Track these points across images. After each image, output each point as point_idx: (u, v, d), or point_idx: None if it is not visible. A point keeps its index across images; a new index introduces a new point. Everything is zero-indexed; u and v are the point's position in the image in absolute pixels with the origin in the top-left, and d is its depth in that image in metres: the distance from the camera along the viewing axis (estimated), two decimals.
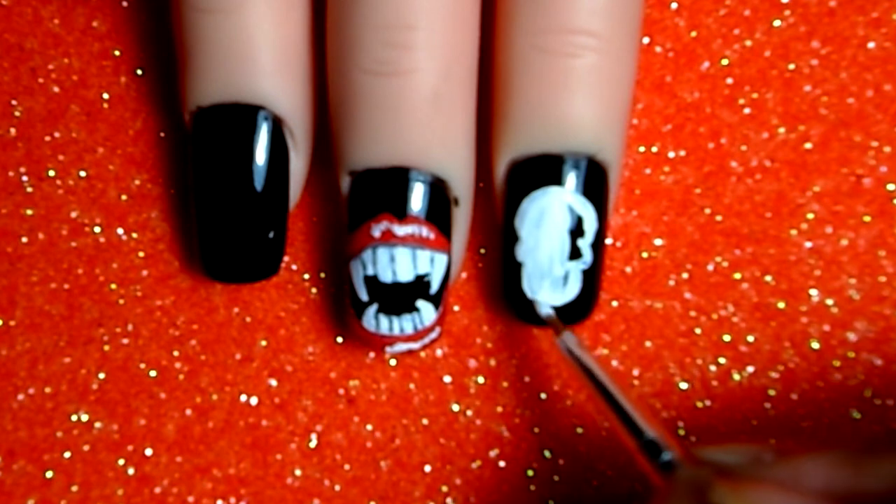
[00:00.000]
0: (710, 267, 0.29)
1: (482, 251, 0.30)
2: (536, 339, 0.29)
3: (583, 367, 0.26)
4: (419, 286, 0.27)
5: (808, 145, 0.30)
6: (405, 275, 0.27)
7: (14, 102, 0.31)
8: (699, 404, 0.29)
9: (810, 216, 0.29)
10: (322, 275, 0.30)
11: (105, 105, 0.31)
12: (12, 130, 0.31)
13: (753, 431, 0.29)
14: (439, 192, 0.27)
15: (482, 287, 0.29)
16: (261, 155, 0.28)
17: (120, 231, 0.30)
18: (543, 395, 0.29)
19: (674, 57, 0.30)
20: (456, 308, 0.29)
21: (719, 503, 0.21)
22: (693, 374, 0.29)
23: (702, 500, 0.21)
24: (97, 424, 0.29)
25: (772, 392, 0.29)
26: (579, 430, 0.29)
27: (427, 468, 0.29)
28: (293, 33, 0.28)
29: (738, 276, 0.29)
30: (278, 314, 0.30)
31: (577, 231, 0.27)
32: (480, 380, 0.29)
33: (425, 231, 0.27)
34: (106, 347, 0.30)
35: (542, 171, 0.27)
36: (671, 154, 0.30)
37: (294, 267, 0.30)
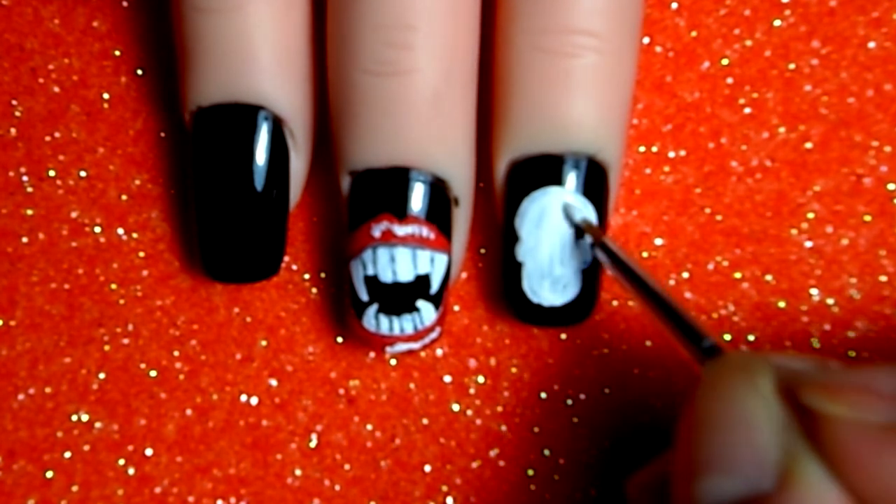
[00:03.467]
0: (711, 266, 0.29)
1: (482, 251, 0.30)
2: (536, 339, 0.29)
3: (624, 269, 0.26)
4: (419, 286, 0.27)
5: (808, 145, 0.30)
6: (405, 275, 0.27)
7: (14, 102, 0.31)
8: None
9: (811, 216, 0.29)
10: (322, 275, 0.30)
11: (105, 105, 0.31)
12: (12, 130, 0.31)
13: None
14: (439, 192, 0.27)
15: (482, 287, 0.29)
16: (261, 155, 0.28)
17: (120, 231, 0.30)
18: (543, 395, 0.29)
19: (674, 57, 0.30)
20: (456, 308, 0.29)
21: (813, 405, 0.20)
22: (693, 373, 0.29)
23: (792, 401, 0.20)
24: (97, 424, 0.29)
25: None
26: (579, 430, 0.29)
27: (427, 468, 0.29)
28: (293, 33, 0.28)
29: (738, 275, 0.29)
30: (278, 314, 0.30)
31: (577, 231, 0.27)
32: (480, 380, 0.29)
33: (425, 231, 0.27)
34: (106, 347, 0.30)
35: (542, 171, 0.27)
36: (671, 154, 0.30)
37: (294, 267, 0.30)
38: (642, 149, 0.30)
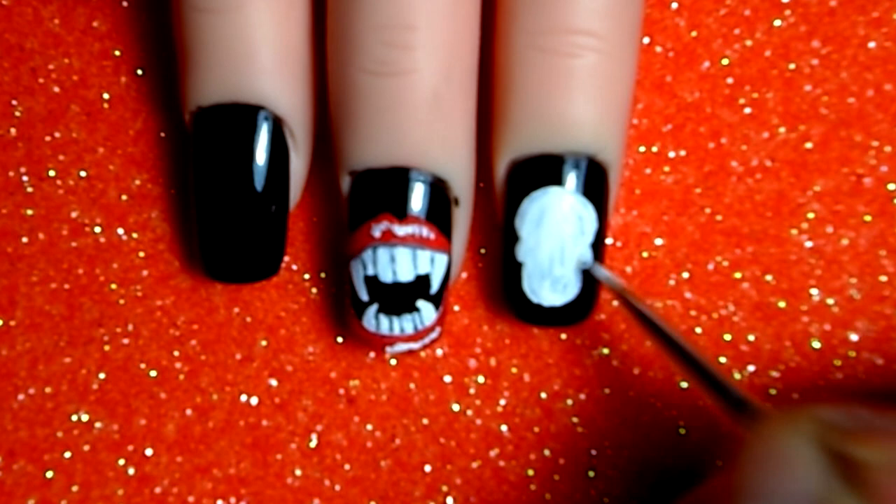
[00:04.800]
0: (711, 266, 0.29)
1: (482, 251, 0.30)
2: (536, 339, 0.29)
3: (649, 324, 0.26)
4: (419, 286, 0.27)
5: (808, 145, 0.30)
6: (405, 275, 0.27)
7: (14, 102, 0.31)
8: (700, 403, 0.29)
9: (811, 216, 0.29)
10: (322, 275, 0.30)
11: (105, 105, 0.31)
12: (12, 130, 0.31)
13: None
14: (439, 192, 0.27)
15: (482, 287, 0.29)
16: (261, 155, 0.28)
17: (120, 231, 0.30)
18: (543, 395, 0.29)
19: (674, 57, 0.30)
20: (456, 308, 0.29)
21: (847, 452, 0.21)
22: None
23: (833, 454, 0.21)
24: (97, 424, 0.29)
25: (772, 391, 0.29)
26: (579, 430, 0.29)
27: (427, 468, 0.29)
28: (293, 33, 0.28)
29: (738, 275, 0.29)
30: (278, 314, 0.30)
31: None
32: (480, 380, 0.29)
33: (426, 231, 0.27)
34: (106, 347, 0.30)
35: (542, 171, 0.27)
36: (671, 154, 0.30)
37: (294, 267, 0.30)
38: (642, 149, 0.30)
